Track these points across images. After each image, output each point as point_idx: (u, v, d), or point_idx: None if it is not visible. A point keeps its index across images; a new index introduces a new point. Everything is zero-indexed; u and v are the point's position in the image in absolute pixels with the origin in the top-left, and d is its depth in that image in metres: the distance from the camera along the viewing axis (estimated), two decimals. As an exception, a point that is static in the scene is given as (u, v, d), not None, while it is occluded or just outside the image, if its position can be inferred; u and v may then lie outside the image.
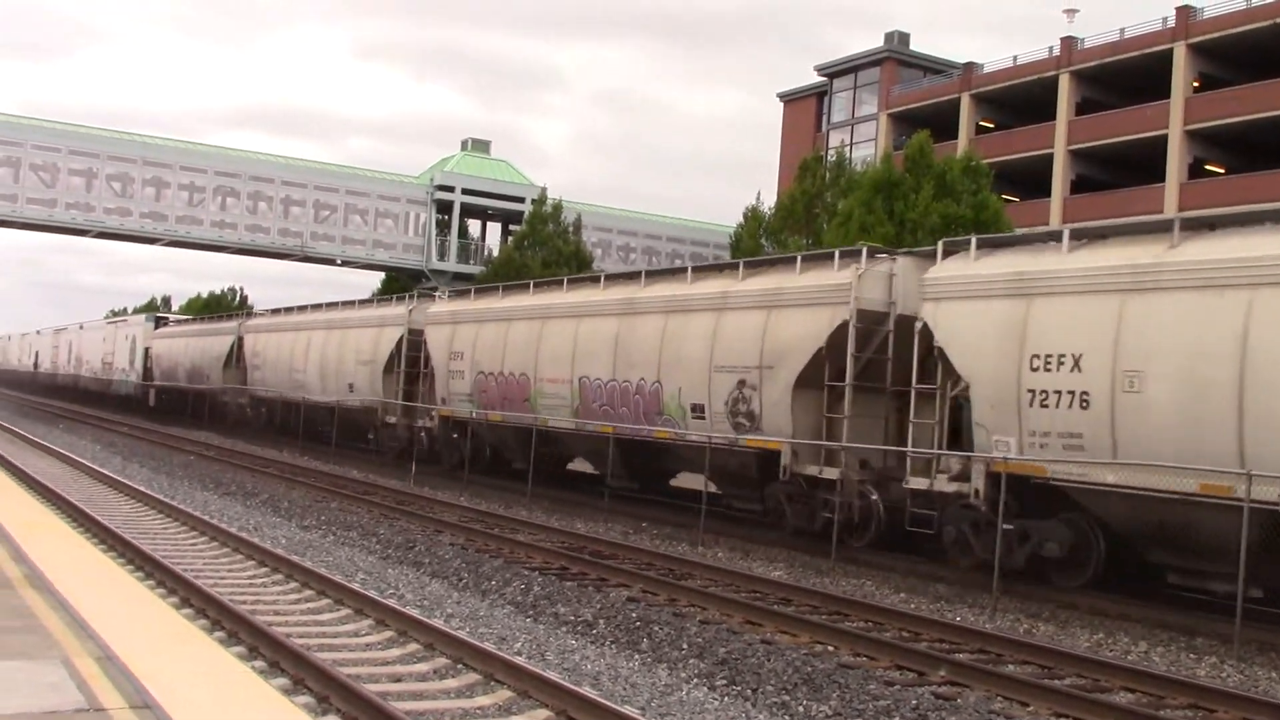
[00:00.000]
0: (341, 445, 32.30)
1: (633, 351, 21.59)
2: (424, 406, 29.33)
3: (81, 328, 70.47)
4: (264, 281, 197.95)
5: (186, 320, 55.05)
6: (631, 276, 23.85)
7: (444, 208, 59.82)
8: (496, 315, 26.50)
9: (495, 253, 59.05)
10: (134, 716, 5.85)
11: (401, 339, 30.80)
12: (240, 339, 42.42)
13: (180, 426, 42.55)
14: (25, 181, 52.07)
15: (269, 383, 39.51)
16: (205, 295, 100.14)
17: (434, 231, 59.58)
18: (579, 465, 26.33)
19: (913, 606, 13.91)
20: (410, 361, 30.61)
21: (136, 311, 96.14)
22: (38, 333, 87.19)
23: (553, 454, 25.10)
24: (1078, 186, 49.77)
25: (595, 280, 25.07)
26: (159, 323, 55.86)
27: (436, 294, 33.04)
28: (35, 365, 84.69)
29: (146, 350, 52.83)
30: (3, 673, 6.42)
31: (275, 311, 44.35)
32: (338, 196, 57.79)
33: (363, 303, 36.71)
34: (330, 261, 59.92)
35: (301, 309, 40.76)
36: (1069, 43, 50.33)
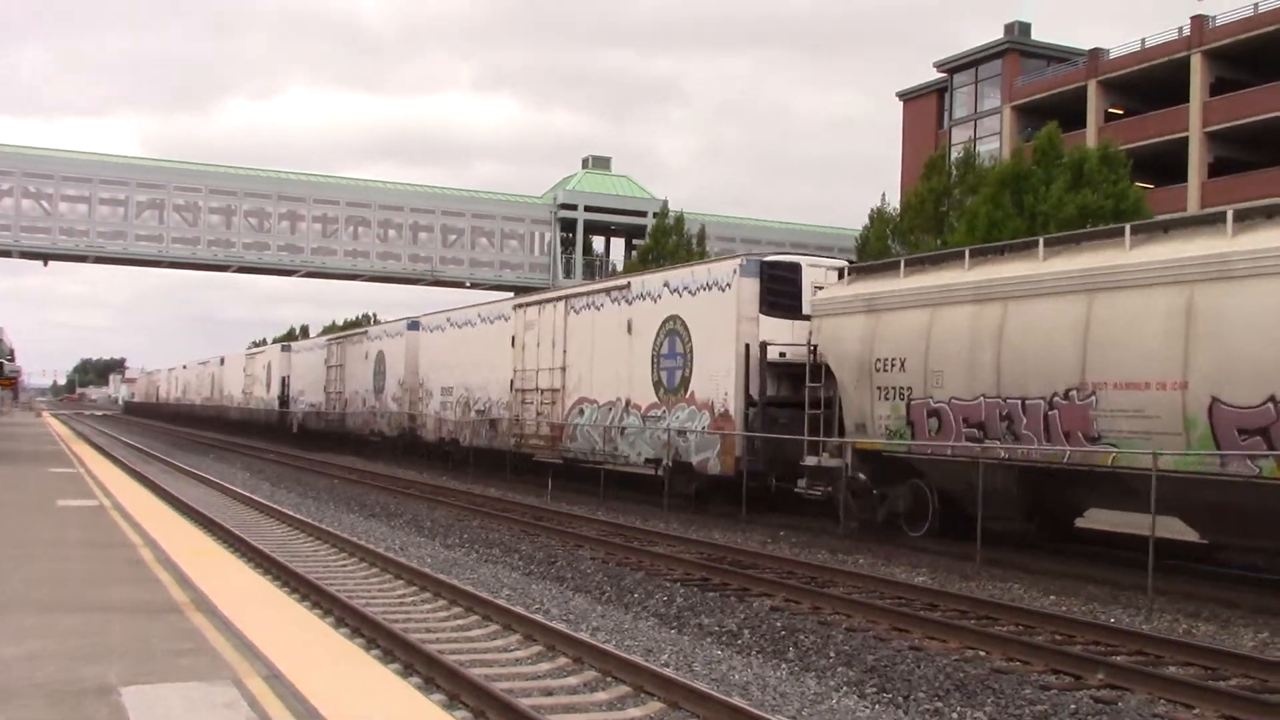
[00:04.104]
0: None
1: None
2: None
3: (420, 327, 38.53)
4: (398, 308, 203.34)
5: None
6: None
7: (568, 226, 60.55)
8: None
9: (620, 268, 59.48)
10: (304, 733, 6.07)
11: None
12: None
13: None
14: (169, 222, 54.33)
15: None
16: (342, 323, 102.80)
17: (559, 249, 60.32)
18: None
19: (1064, 609, 13.59)
20: None
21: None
22: (285, 349, 55.52)
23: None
24: (1216, 170, 48.12)
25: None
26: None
27: None
28: (284, 401, 52.53)
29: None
30: (182, 693, 6.74)
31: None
32: (464, 220, 58.97)
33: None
34: (459, 284, 61.13)
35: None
36: (1200, 21, 48.77)
